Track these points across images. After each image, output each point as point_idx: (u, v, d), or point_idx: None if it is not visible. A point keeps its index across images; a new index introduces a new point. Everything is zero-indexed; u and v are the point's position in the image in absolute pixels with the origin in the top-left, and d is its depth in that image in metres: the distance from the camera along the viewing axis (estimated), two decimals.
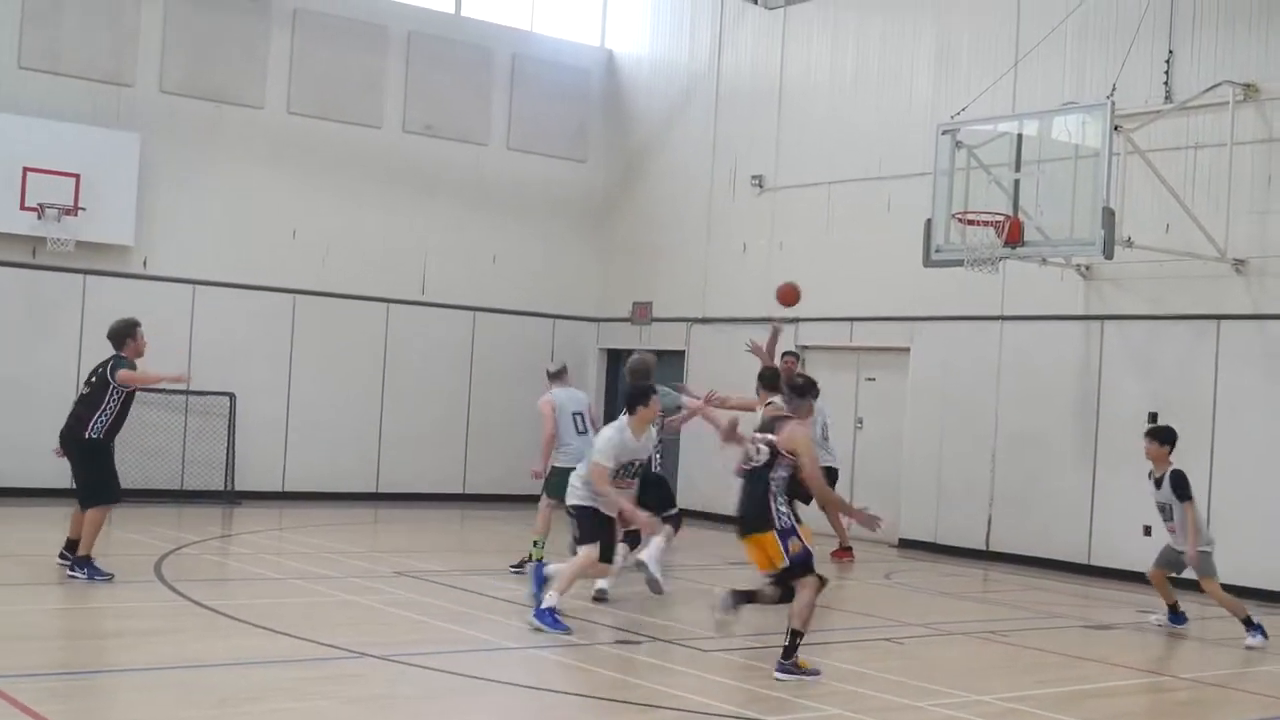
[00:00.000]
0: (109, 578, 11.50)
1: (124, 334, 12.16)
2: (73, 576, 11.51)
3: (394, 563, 13.87)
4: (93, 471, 11.83)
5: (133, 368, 12.00)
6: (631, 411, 10.85)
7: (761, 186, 20.45)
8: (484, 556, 14.61)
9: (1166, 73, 15.76)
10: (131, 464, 18.14)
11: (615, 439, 10.75)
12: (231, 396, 19.21)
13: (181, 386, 18.67)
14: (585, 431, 13.12)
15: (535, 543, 13.26)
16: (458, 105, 21.73)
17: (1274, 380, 14.84)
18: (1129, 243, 14.60)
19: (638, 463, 11.09)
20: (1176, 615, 12.37)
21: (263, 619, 10.20)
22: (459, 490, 21.29)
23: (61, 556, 11.95)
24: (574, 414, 13.31)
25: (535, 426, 21.59)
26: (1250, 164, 15.06)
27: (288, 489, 19.85)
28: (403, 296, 20.97)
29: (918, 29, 18.65)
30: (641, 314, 22.25)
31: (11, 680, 7.77)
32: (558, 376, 13.79)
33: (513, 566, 13.37)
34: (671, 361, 21.64)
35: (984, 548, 16.93)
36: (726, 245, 20.98)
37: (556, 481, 12.62)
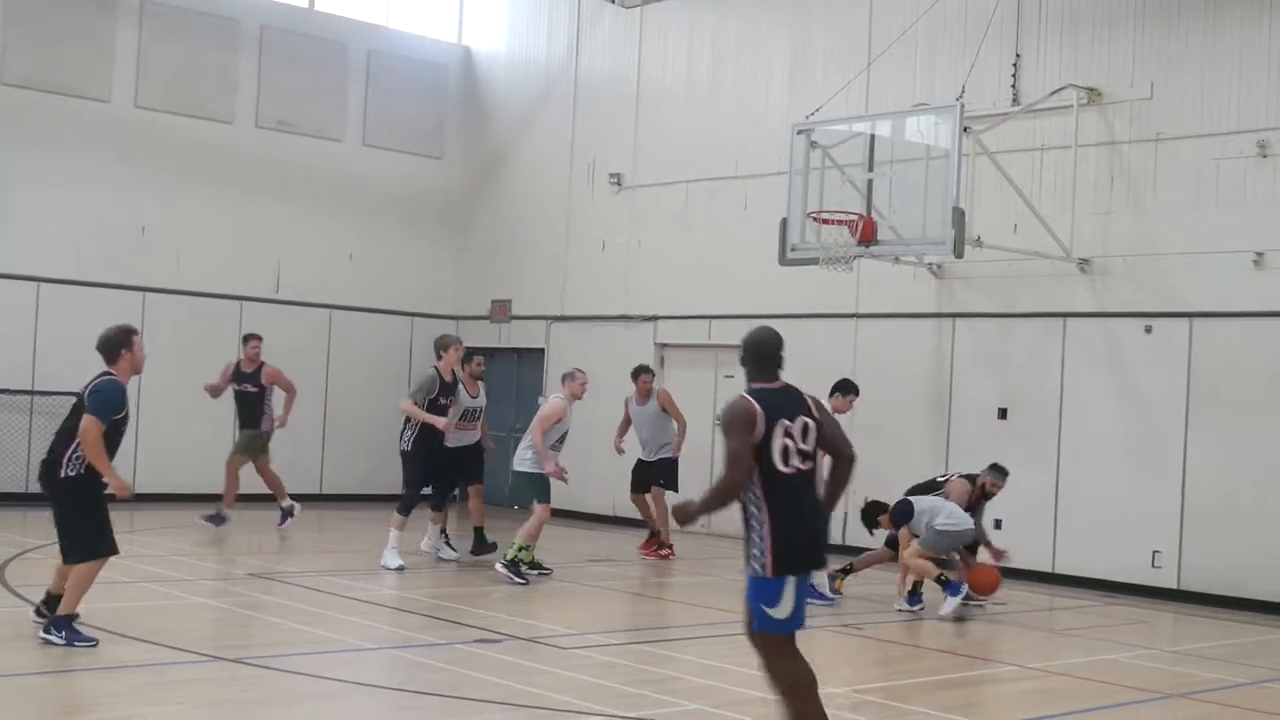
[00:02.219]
0: (92, 643, 9.22)
1: (118, 344, 9.69)
2: (47, 640, 9.19)
3: (248, 564, 13.66)
4: (75, 518, 9.34)
5: (115, 395, 9.49)
6: None
7: (620, 185, 20.51)
8: (341, 557, 14.45)
9: (1014, 76, 16.14)
10: None
11: None
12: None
13: (25, 385, 18.21)
14: None
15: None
16: (312, 101, 21.43)
17: (1116, 376, 15.27)
18: (978, 242, 14.92)
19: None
20: (915, 597, 12.88)
21: (112, 623, 9.97)
22: (316, 490, 21.01)
23: (38, 613, 9.58)
24: None
25: (391, 424, 21.38)
26: (1094, 166, 15.49)
27: (140, 490, 19.33)
28: (256, 294, 20.62)
29: (772, 30, 18.85)
30: (500, 312, 22.17)
31: None
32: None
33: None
34: (531, 359, 21.63)
35: (840, 543, 17.16)
36: (585, 243, 20.99)
37: None
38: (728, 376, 19.08)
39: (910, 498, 13.15)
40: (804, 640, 10.79)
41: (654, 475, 16.39)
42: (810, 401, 7.01)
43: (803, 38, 18.45)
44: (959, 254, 14.29)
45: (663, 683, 8.97)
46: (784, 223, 15.46)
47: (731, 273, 18.75)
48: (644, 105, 20.35)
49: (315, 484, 21.07)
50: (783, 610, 6.75)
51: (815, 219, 15.09)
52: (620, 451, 16.94)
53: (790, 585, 6.74)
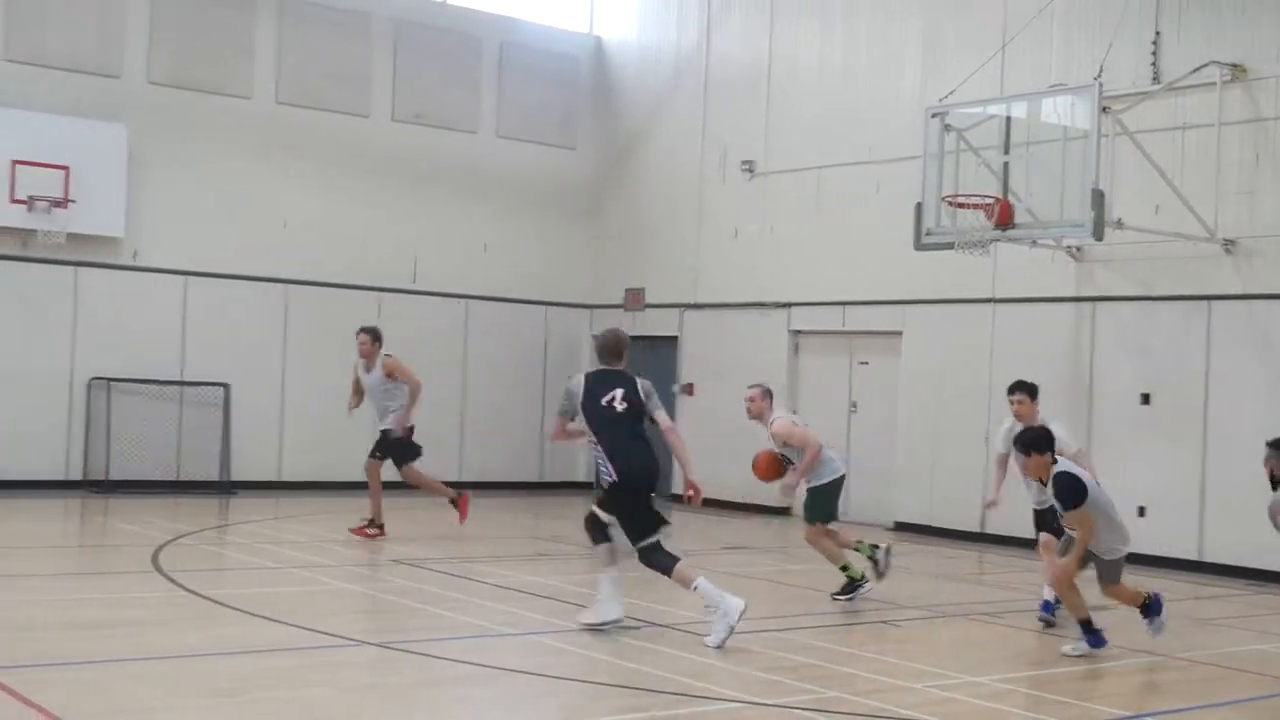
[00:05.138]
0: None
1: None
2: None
3: (391, 551, 13.89)
4: None
5: None
6: None
7: (752, 172, 20.47)
8: (481, 544, 14.64)
9: (1154, 54, 15.80)
10: (128, 455, 18.26)
11: None
12: (225, 387, 19.22)
13: (174, 376, 18.73)
14: None
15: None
16: (446, 94, 21.73)
17: (1264, 360, 14.90)
18: (1119, 224, 14.64)
19: None
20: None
21: (259, 608, 10.23)
22: (455, 478, 21.25)
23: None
24: None
25: (529, 412, 21.71)
26: (1238, 144, 15.11)
27: (284, 478, 19.86)
28: (394, 285, 20.97)
29: (906, 11, 18.67)
30: (634, 300, 22.27)
31: (10, 670, 7.80)
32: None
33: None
34: (664, 348, 21.69)
35: (978, 530, 16.99)
36: (717, 231, 21.00)
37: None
38: (862, 363, 18.98)
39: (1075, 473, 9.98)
40: (945, 627, 10.67)
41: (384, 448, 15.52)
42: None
43: (936, 19, 18.25)
44: (1099, 236, 14.04)
45: (800, 669, 8.96)
46: (919, 207, 15.32)
47: (865, 258, 18.63)
48: (775, 91, 20.28)
49: (455, 472, 21.33)
50: None
51: (950, 203, 14.94)
52: None
53: None
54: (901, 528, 17.87)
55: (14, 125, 17.82)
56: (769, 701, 8.01)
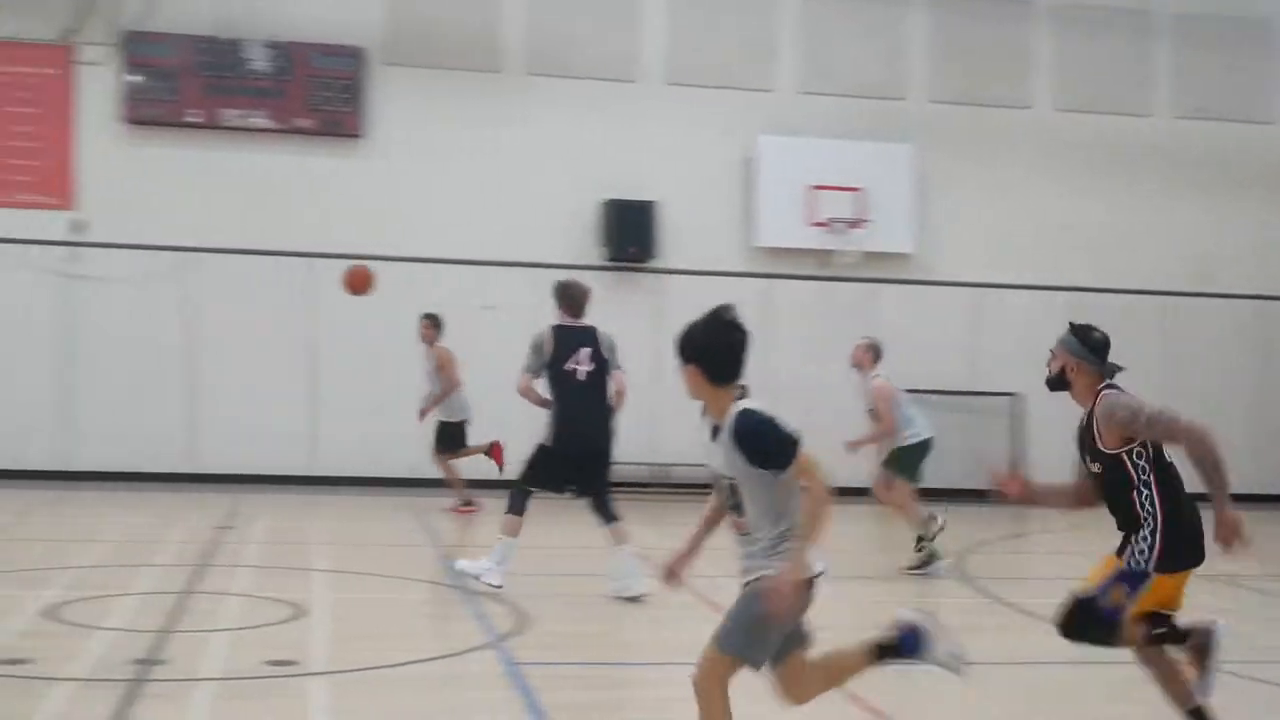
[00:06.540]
0: None
1: None
2: None
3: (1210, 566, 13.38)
4: None
5: None
6: None
7: None
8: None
9: None
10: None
11: None
12: (1014, 397, 19.42)
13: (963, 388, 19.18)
14: None
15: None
16: (1231, 84, 20.75)
17: None
18: None
19: None
20: None
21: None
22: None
23: None
24: None
25: None
26: None
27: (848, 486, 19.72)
28: (1182, 289, 20.29)
29: None
30: None
31: None
32: None
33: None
34: None
35: None
36: None
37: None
38: None
39: None
40: None
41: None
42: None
43: None
44: None
45: None
46: None
47: None
48: None
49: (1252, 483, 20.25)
50: None
51: None
52: None
53: None
54: None
55: (812, 153, 19.16)
56: None
